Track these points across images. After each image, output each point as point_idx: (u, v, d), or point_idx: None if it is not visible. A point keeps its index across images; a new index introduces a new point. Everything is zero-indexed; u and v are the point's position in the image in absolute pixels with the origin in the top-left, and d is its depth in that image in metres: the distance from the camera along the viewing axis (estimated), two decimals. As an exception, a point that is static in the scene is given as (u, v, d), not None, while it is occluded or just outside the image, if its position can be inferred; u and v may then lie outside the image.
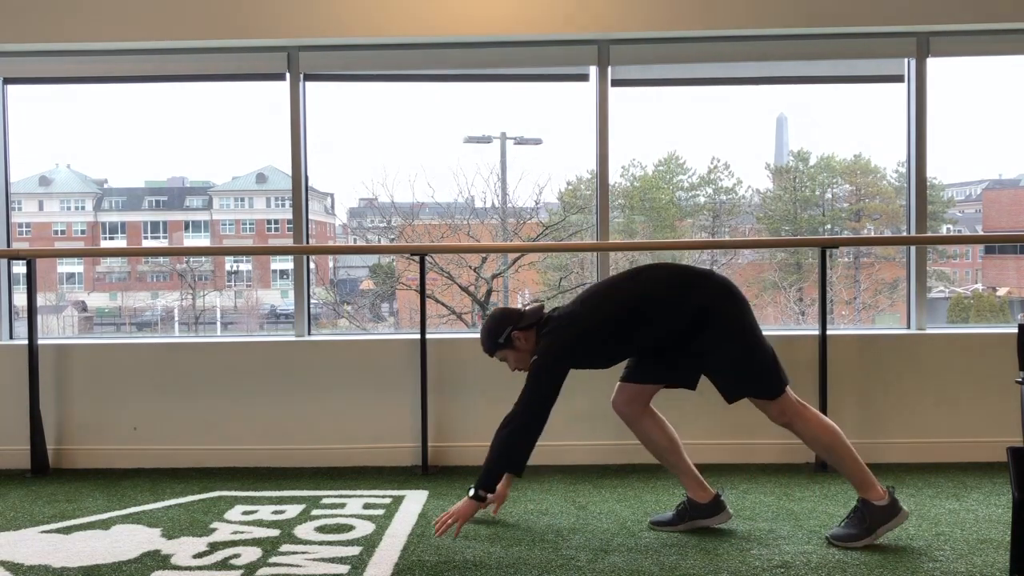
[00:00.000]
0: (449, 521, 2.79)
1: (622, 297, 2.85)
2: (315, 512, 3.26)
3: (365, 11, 4.03)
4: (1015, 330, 2.45)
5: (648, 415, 3.00)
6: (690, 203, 6.04)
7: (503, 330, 2.92)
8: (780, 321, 5.72)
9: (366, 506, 3.34)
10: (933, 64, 4.09)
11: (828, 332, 3.86)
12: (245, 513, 3.26)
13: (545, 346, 2.83)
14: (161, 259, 6.35)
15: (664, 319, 2.80)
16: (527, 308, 3.00)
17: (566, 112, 4.76)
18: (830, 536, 2.83)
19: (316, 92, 4.28)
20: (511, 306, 2.99)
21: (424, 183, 5.70)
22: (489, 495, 2.84)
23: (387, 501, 3.40)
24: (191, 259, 6.27)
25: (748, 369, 2.82)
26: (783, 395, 2.83)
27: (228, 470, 3.93)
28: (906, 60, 4.13)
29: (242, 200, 6.41)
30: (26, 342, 3.97)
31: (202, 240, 6.49)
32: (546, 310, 2.97)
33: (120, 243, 6.25)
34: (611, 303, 2.85)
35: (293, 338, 4.18)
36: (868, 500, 2.80)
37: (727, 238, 5.95)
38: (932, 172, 4.25)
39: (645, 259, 5.86)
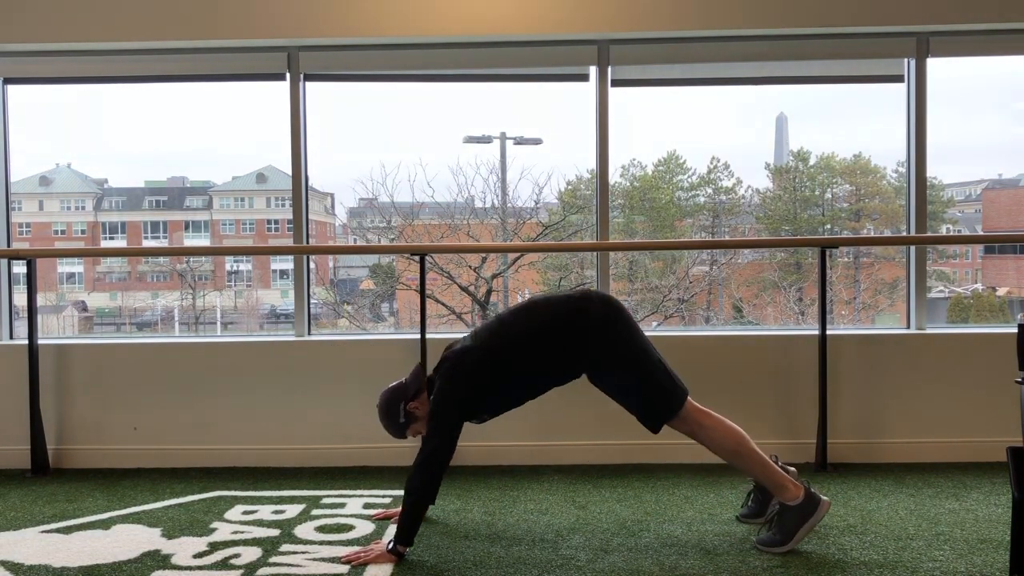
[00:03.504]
0: (361, 556, 2.70)
1: (513, 331, 2.83)
2: (315, 512, 3.26)
3: (365, 11, 4.03)
4: (1015, 330, 2.46)
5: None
6: (690, 203, 6.04)
7: (399, 410, 2.88)
8: (780, 321, 5.73)
9: (366, 506, 3.34)
10: (933, 64, 4.09)
11: (828, 332, 3.86)
12: (245, 513, 3.26)
13: (438, 390, 2.80)
14: (161, 259, 6.36)
15: (550, 352, 2.79)
16: (406, 378, 2.93)
17: (566, 112, 4.76)
18: (756, 541, 2.80)
19: (316, 92, 4.28)
20: (391, 385, 2.97)
21: (424, 183, 5.72)
22: (408, 549, 2.74)
23: (387, 501, 3.40)
24: (191, 259, 6.27)
25: (647, 392, 2.78)
26: (683, 406, 2.78)
27: (228, 470, 3.93)
28: (906, 60, 4.13)
29: (242, 200, 6.42)
30: (26, 342, 3.97)
31: (202, 240, 6.50)
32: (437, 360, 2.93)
33: (120, 243, 6.26)
34: (500, 336, 2.83)
35: (293, 338, 4.18)
36: (783, 502, 2.76)
37: (727, 238, 5.96)
38: (932, 172, 4.24)
39: (645, 259, 5.88)
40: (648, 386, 2.78)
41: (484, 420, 2.94)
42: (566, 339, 2.78)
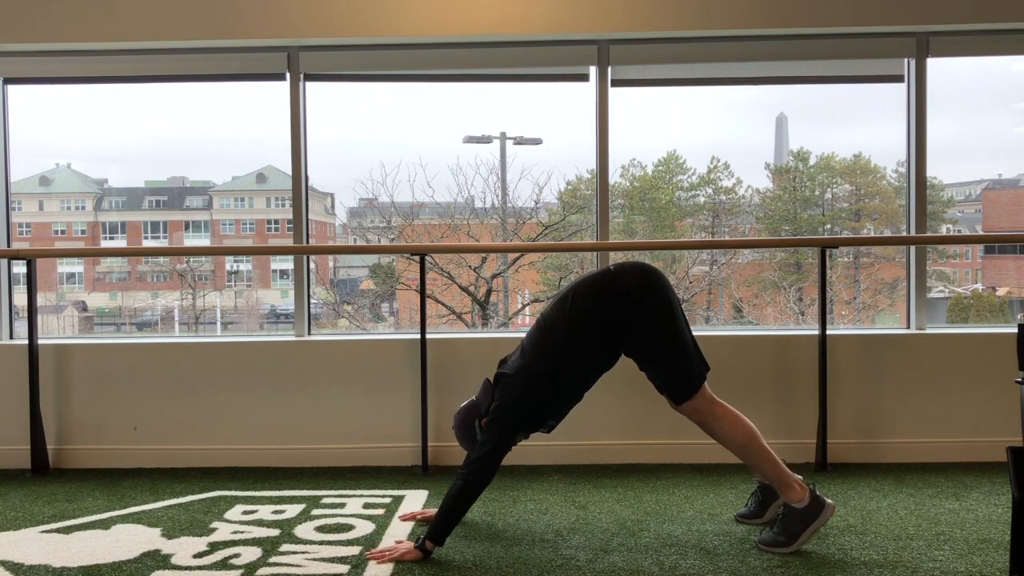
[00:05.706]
0: (387, 554, 2.71)
1: (558, 333, 2.80)
2: (315, 512, 3.26)
3: (365, 11, 4.03)
4: (1015, 330, 2.45)
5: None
6: (690, 203, 6.04)
7: (474, 428, 2.89)
8: (780, 321, 5.72)
9: (366, 506, 3.34)
10: (933, 64, 4.09)
11: (828, 332, 3.86)
12: (245, 513, 3.26)
13: (499, 400, 2.81)
14: (161, 259, 6.36)
15: (592, 343, 2.78)
16: (478, 395, 2.93)
17: (566, 112, 4.76)
18: (758, 541, 2.80)
19: (316, 92, 4.28)
20: (464, 403, 3.00)
21: (424, 183, 5.72)
22: (436, 547, 2.75)
23: (387, 501, 3.40)
24: (191, 259, 6.27)
25: (676, 364, 2.76)
26: (700, 389, 2.78)
27: (228, 470, 3.93)
28: (906, 60, 4.13)
29: (242, 200, 6.42)
30: (26, 342, 3.97)
31: (202, 240, 6.50)
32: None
33: (120, 243, 6.25)
34: (544, 344, 2.81)
35: (293, 338, 4.18)
36: (788, 503, 2.76)
37: (727, 238, 5.96)
38: (932, 172, 4.24)
39: (645, 259, 5.88)
40: (676, 360, 2.77)
41: (552, 427, 2.91)
42: (602, 325, 2.77)
